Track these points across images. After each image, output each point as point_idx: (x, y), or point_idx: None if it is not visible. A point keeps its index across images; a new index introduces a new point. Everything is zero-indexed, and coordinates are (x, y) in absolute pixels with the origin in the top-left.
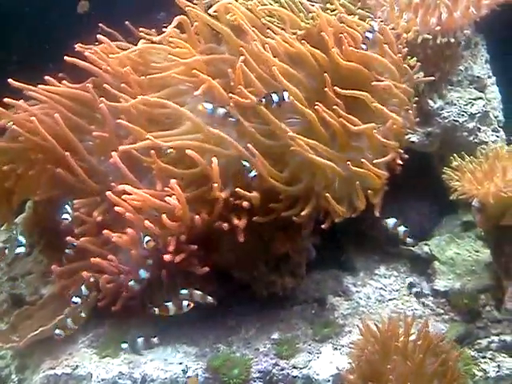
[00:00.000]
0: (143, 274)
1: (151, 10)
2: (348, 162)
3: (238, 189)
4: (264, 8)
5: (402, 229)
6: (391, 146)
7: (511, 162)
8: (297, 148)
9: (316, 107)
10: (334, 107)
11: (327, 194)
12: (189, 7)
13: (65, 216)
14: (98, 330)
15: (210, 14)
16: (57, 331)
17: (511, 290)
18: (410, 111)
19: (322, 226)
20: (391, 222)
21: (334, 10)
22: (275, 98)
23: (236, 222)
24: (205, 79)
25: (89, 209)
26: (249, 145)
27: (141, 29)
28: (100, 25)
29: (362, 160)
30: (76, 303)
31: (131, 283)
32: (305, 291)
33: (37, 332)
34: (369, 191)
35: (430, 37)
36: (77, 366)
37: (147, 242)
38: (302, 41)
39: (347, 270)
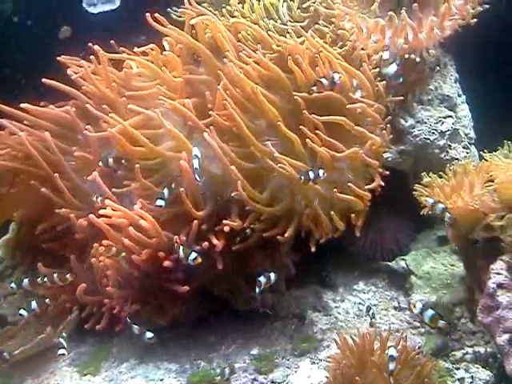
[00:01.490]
0: None
1: (131, 35)
2: (335, 190)
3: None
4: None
5: (429, 313)
6: (374, 166)
7: (478, 177)
8: (283, 169)
9: (301, 128)
10: (317, 131)
11: (320, 212)
12: (170, 29)
13: (159, 202)
14: (80, 348)
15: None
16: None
17: (482, 303)
18: (384, 130)
19: (312, 250)
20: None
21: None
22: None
23: (215, 242)
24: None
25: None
26: (232, 167)
27: (122, 49)
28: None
29: (349, 184)
30: (22, 315)
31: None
32: (285, 307)
33: (17, 352)
34: (352, 215)
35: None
36: None
37: (194, 258)
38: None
39: (327, 285)
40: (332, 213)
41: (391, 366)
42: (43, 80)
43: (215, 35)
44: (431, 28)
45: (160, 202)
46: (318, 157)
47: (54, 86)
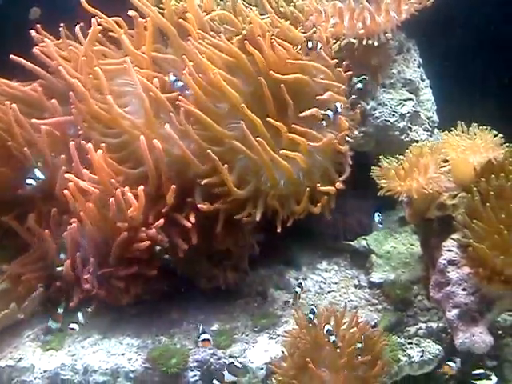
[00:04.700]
0: None
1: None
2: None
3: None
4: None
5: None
6: (345, 153)
7: (433, 157)
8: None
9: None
10: (293, 125)
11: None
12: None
13: (29, 181)
14: (44, 324)
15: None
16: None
17: (434, 279)
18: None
19: (278, 230)
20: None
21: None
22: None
23: (186, 223)
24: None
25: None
26: (209, 151)
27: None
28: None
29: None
30: None
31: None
32: (249, 285)
33: None
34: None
35: (356, 41)
36: (20, 358)
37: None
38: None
39: (292, 265)
40: (307, 189)
41: (332, 338)
42: (11, 57)
43: (183, 15)
44: (387, 11)
45: (29, 181)
46: (285, 138)
47: (22, 63)
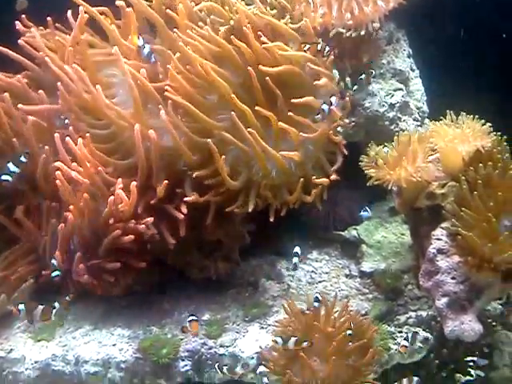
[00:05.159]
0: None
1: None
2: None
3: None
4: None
5: None
6: (338, 143)
7: (421, 146)
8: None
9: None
10: (290, 113)
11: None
12: None
13: (4, 177)
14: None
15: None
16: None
17: (423, 268)
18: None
19: (271, 220)
20: None
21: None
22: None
23: (177, 215)
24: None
25: None
26: (209, 140)
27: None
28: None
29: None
30: None
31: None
32: (240, 276)
33: None
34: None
35: (344, 30)
36: (11, 349)
37: None
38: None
39: (282, 255)
40: (301, 180)
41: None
42: None
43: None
44: (374, 1)
45: (5, 177)
46: (275, 128)
47: (8, 54)
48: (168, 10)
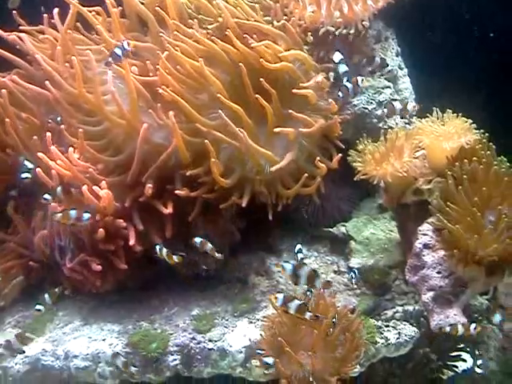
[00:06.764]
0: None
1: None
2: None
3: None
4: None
5: None
6: (334, 139)
7: (408, 143)
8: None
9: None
10: (290, 111)
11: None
12: None
13: (24, 175)
14: (25, 312)
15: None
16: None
17: (410, 263)
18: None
19: (269, 217)
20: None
21: None
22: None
23: (164, 210)
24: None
25: None
26: (206, 141)
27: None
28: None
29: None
30: None
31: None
32: (230, 272)
33: None
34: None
35: (333, 28)
36: (1, 344)
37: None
38: (213, 37)
39: (272, 251)
40: (305, 175)
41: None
42: None
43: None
44: (364, 0)
45: (25, 175)
46: (270, 121)
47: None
48: (158, 8)
